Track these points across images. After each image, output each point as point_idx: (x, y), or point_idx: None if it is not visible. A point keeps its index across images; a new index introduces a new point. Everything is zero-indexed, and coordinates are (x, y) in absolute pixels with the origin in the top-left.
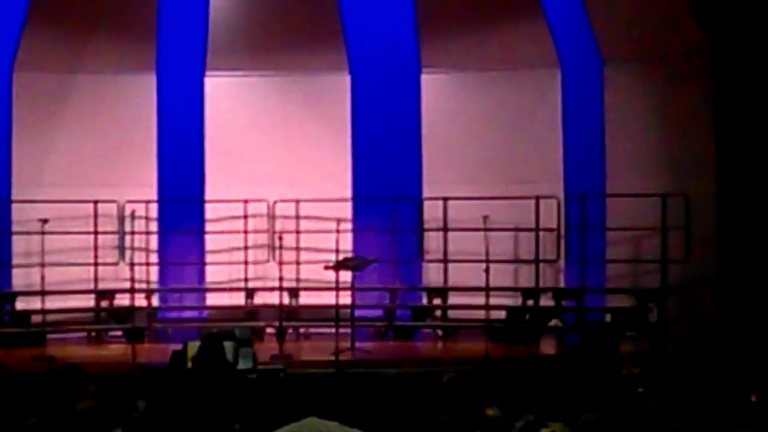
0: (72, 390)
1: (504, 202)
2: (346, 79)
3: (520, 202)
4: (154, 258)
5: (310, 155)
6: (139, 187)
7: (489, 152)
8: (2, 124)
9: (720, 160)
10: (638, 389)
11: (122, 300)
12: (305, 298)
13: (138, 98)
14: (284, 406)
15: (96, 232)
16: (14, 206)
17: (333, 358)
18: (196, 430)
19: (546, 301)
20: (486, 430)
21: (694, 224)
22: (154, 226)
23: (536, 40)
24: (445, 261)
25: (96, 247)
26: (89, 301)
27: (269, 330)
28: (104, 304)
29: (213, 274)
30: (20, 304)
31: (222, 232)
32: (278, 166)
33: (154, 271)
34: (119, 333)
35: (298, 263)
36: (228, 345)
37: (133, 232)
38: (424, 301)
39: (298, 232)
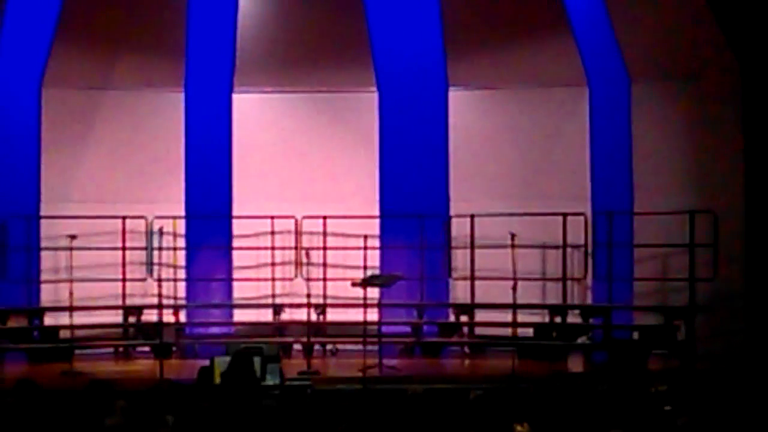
0: (100, 406)
1: (531, 219)
2: (374, 96)
3: (548, 219)
4: (181, 274)
5: (338, 172)
6: (167, 203)
7: (516, 169)
8: (31, 140)
9: (748, 178)
10: (666, 407)
11: (150, 316)
12: (332, 315)
13: (166, 115)
14: (311, 422)
15: (124, 248)
16: (43, 222)
17: (360, 374)
18: None
19: (573, 318)
20: None
21: (722, 242)
22: (181, 242)
23: (564, 57)
24: (473, 278)
25: (124, 263)
26: (117, 317)
27: (296, 346)
28: (132, 319)
29: (240, 290)
30: (48, 320)
31: (249, 248)
32: (306, 182)
33: (182, 286)
34: (147, 348)
35: (325, 279)
36: (255, 361)
37: (161, 248)
38: (452, 317)
39: (325, 248)
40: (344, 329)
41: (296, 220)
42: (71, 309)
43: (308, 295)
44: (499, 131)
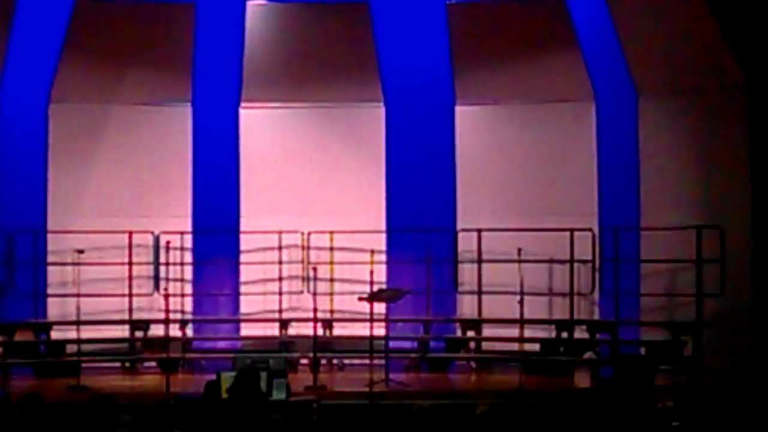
0: (106, 420)
1: (538, 234)
2: (381, 111)
3: (555, 235)
4: (188, 289)
5: (345, 187)
6: (174, 217)
7: (523, 184)
8: (38, 154)
9: (755, 193)
10: (673, 423)
11: (157, 330)
12: (339, 330)
13: (174, 129)
14: None
15: (131, 263)
16: (50, 236)
17: (367, 389)
18: None
19: (580, 333)
20: None
21: (729, 257)
22: (188, 257)
23: (571, 72)
24: (480, 293)
25: (131, 278)
26: (124, 332)
27: (303, 361)
28: (139, 334)
29: (247, 304)
30: (55, 334)
31: (256, 263)
32: (313, 197)
33: (189, 301)
34: (153, 363)
35: (332, 294)
36: (262, 376)
37: (167, 263)
38: (458, 332)
39: (332, 263)
40: (351, 344)
41: (303, 235)
42: (78, 323)
43: (315, 310)
44: (505, 146)
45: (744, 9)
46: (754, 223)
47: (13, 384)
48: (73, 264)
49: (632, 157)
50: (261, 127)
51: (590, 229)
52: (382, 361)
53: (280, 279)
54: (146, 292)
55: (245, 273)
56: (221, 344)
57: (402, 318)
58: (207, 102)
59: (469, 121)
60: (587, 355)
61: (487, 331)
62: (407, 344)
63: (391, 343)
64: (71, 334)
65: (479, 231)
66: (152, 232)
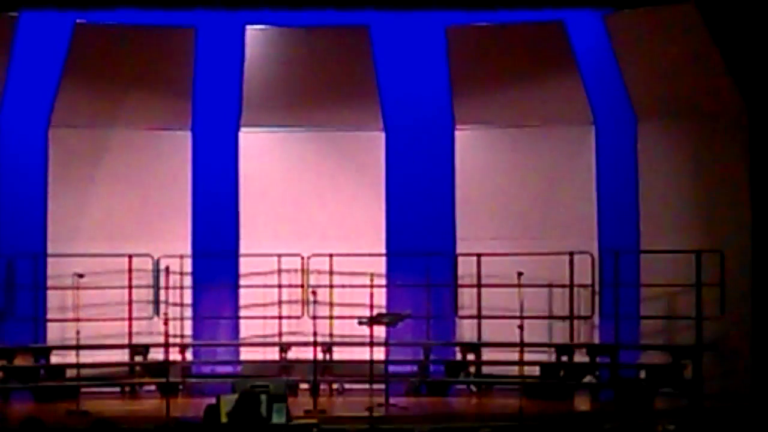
0: None
1: (538, 258)
2: (381, 135)
3: (554, 258)
4: (188, 312)
5: (345, 210)
6: (174, 241)
7: (523, 208)
8: (38, 179)
9: (755, 217)
10: None
11: (156, 354)
12: (339, 354)
13: (173, 153)
14: None
15: (131, 287)
16: (50, 261)
17: (367, 413)
18: None
19: (580, 357)
20: None
21: (729, 281)
22: (188, 281)
23: (570, 96)
24: (479, 317)
25: (130, 302)
26: (124, 356)
27: (303, 385)
28: (138, 358)
29: (247, 328)
30: (55, 358)
31: (256, 286)
32: (312, 221)
33: (188, 325)
34: (153, 387)
35: (332, 318)
36: (262, 400)
37: (167, 287)
38: (458, 356)
39: (332, 286)
40: (351, 368)
41: (303, 259)
42: (78, 347)
43: (315, 334)
44: (505, 170)
45: (743, 33)
46: (753, 247)
47: (12, 408)
48: (73, 288)
49: (632, 181)
50: (261, 151)
51: (590, 253)
52: (382, 385)
53: (280, 303)
54: (146, 316)
55: (245, 297)
56: (221, 368)
57: (402, 342)
58: (207, 126)
59: (469, 146)
60: (587, 378)
61: (487, 354)
62: (407, 368)
63: (391, 367)
64: (71, 358)
65: (479, 255)
66: (152, 256)
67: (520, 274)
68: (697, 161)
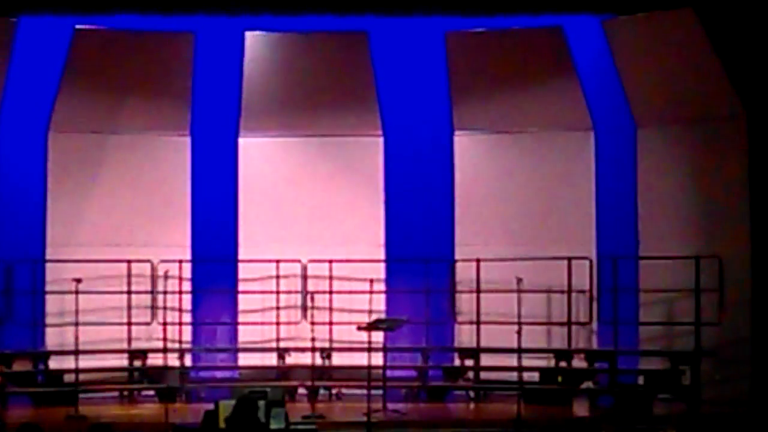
0: None
1: (536, 263)
2: (380, 141)
3: (553, 264)
4: (187, 318)
5: (343, 216)
6: (173, 247)
7: (522, 214)
8: (37, 184)
9: (754, 223)
10: None
11: (155, 360)
12: (338, 359)
13: (172, 159)
14: None
15: (129, 292)
16: (48, 266)
17: (365, 418)
18: None
19: (579, 362)
20: None
21: (727, 286)
22: (187, 286)
23: (569, 102)
24: (478, 322)
25: (129, 307)
26: (122, 361)
27: (301, 390)
28: (137, 363)
29: (245, 334)
30: (53, 364)
31: (255, 291)
32: (311, 226)
33: (187, 330)
34: (152, 392)
35: (330, 323)
36: (260, 405)
37: (165, 292)
38: (457, 362)
39: (330, 292)
40: (349, 373)
41: (302, 264)
42: (76, 353)
43: (313, 339)
44: (504, 176)
45: (742, 39)
46: (752, 253)
47: (11, 413)
48: (72, 293)
49: (631, 187)
50: (260, 156)
51: (588, 259)
52: (381, 391)
53: (279, 308)
54: (145, 321)
55: (244, 302)
56: (219, 373)
57: (400, 347)
58: (206, 131)
59: (468, 151)
60: (586, 384)
61: (486, 360)
62: (405, 373)
63: (389, 372)
64: (69, 363)
65: (477, 261)
66: (151, 261)
67: (518, 279)
68: (696, 167)
